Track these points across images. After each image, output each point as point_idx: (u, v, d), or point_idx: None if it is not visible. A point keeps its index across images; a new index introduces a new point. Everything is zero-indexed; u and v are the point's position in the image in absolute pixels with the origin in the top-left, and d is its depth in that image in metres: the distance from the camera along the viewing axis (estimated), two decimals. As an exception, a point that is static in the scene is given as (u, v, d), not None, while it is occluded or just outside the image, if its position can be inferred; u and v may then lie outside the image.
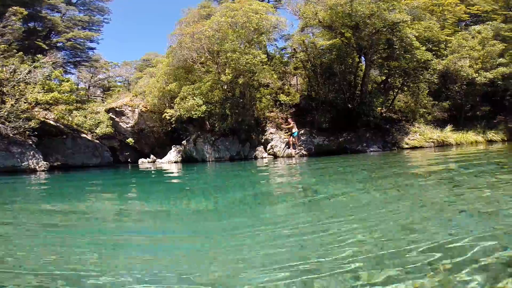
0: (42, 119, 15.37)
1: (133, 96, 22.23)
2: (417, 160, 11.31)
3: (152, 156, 21.21)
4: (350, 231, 2.90)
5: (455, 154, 12.81)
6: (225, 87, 20.12)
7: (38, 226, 3.99)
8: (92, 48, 28.94)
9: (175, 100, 19.78)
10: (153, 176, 12.93)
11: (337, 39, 18.34)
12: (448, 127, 19.36)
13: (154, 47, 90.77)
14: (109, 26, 66.84)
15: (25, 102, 14.89)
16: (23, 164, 14.26)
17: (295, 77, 22.52)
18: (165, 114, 20.25)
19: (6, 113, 13.94)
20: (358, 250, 2.36)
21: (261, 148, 19.60)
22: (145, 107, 21.45)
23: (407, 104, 20.97)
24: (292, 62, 21.72)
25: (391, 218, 3.39)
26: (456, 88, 20.80)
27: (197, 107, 18.99)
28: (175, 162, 20.18)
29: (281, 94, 19.80)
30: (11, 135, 13.86)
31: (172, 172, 13.29)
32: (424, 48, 18.13)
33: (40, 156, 14.86)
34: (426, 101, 20.56)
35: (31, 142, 14.64)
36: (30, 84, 15.88)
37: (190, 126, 21.64)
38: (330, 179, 7.59)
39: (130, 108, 21.10)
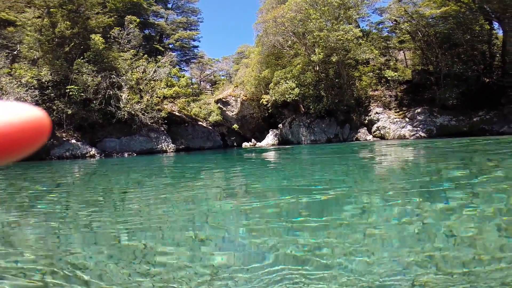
0: (170, 111, 18.68)
1: (235, 87, 24.52)
2: None
3: (253, 140, 23.17)
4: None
5: None
6: (317, 68, 20.11)
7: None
8: (195, 46, 33.05)
9: (270, 86, 20.85)
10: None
11: (451, 5, 16.35)
12: None
13: (245, 39, 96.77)
14: (204, 25, 73.94)
15: (156, 97, 18.24)
16: (158, 146, 17.69)
17: (401, 51, 20.84)
18: (262, 100, 21.69)
19: (144, 106, 17.39)
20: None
21: (364, 129, 18.85)
22: (245, 96, 23.45)
23: None
24: (395, 36, 20.12)
25: None
26: None
27: (290, 91, 19.54)
28: (272, 144, 21.51)
29: (387, 70, 18.51)
30: (149, 123, 17.29)
31: (267, 152, 14.50)
32: None
33: (169, 140, 18.15)
34: None
35: (163, 129, 17.97)
36: (157, 81, 19.29)
37: (285, 110, 22.70)
38: None
39: (233, 98, 23.43)
